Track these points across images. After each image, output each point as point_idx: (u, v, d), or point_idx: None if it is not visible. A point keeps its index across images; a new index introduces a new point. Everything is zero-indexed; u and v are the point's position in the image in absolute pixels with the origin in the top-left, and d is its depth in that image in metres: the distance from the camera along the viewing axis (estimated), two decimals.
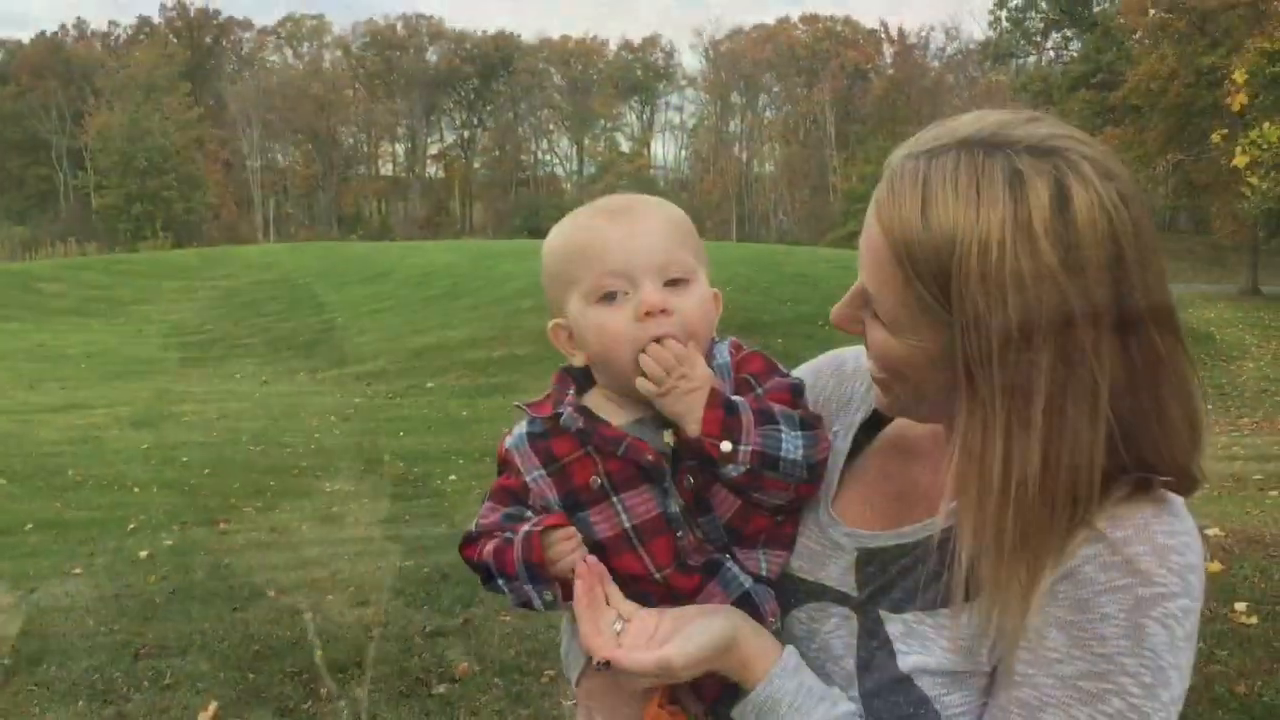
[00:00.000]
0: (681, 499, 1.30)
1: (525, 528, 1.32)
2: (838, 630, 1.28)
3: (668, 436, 1.31)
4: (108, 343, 28.24)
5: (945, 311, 1.10)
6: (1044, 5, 73.93)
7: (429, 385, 23.06)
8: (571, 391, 1.38)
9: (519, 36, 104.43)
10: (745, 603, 1.30)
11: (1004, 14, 75.29)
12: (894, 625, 1.24)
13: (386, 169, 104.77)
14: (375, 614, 6.30)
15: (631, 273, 1.29)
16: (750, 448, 1.27)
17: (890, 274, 1.14)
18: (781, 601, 1.34)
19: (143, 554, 9.27)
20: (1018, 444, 1.08)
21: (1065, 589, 1.13)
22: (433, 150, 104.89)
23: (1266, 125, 7.97)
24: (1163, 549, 1.12)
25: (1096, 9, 68.09)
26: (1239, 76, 7.98)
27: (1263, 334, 25.22)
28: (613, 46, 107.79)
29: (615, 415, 1.33)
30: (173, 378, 23.52)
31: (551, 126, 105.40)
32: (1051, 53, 75.05)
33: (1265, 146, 7.84)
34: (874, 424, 1.44)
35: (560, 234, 1.38)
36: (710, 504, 1.31)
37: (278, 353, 27.62)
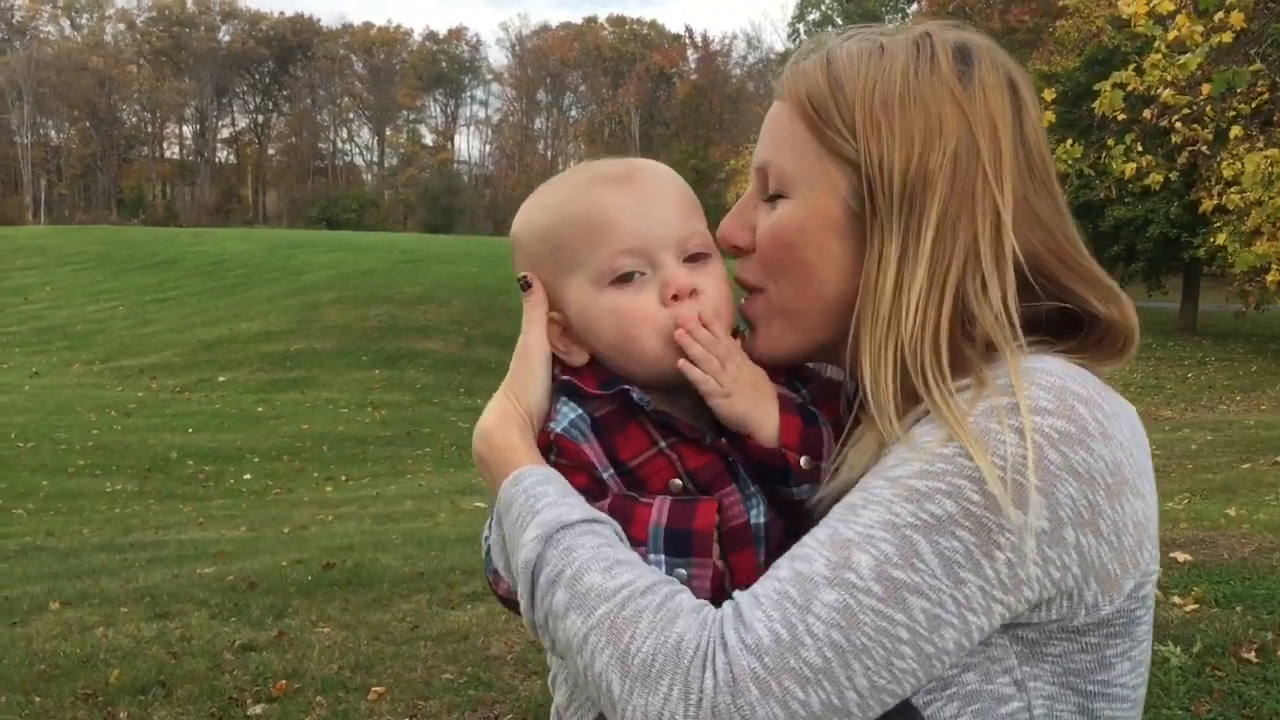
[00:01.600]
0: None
1: (676, 496, 1.07)
2: None
3: None
4: None
5: (850, 145, 1.04)
6: (839, 21, 77.13)
7: (221, 379, 22.04)
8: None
9: (318, 21, 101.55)
10: None
11: (802, 27, 78.20)
12: None
13: (173, 151, 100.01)
14: (177, 627, 5.80)
15: (649, 250, 1.09)
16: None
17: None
18: None
19: None
20: (908, 268, 1.00)
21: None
22: (224, 134, 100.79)
23: (1070, 142, 8.45)
24: (1044, 381, 0.94)
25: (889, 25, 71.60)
26: (1048, 94, 8.41)
27: None
28: (417, 37, 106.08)
29: None
30: None
31: (352, 115, 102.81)
32: None
33: (1070, 161, 8.31)
34: None
35: (549, 207, 1.15)
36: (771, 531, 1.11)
37: (49, 343, 25.89)
